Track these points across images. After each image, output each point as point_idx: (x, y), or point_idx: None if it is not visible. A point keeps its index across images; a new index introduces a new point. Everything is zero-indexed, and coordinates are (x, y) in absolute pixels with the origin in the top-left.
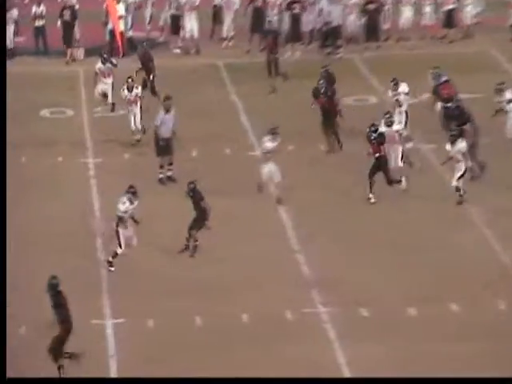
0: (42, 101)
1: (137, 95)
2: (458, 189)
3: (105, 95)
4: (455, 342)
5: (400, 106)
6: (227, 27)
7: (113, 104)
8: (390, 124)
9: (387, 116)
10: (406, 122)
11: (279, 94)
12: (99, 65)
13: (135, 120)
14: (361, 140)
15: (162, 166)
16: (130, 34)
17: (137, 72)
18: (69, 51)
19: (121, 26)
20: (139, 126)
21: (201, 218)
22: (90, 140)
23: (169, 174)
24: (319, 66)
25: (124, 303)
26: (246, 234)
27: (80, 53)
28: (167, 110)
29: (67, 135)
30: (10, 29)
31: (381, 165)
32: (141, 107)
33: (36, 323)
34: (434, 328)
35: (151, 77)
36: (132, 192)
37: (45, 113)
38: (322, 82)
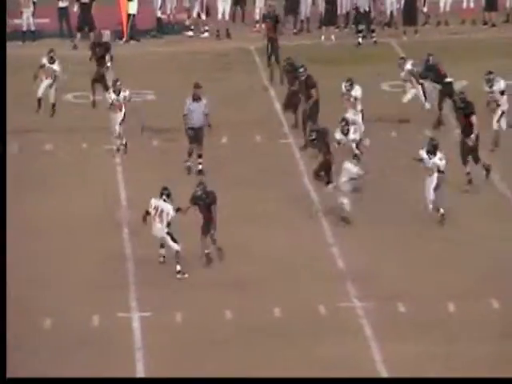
0: (66, 85)
1: (124, 98)
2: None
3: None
4: (496, 340)
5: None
6: (259, 10)
7: (125, 145)
8: (345, 132)
9: (343, 124)
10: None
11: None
12: (112, 95)
13: (117, 124)
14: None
15: (190, 154)
16: (159, 15)
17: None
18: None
19: (130, 9)
20: (120, 130)
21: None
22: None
23: (199, 167)
24: (353, 51)
25: (151, 296)
26: (277, 226)
27: (106, 36)
28: (195, 99)
29: (93, 121)
30: (29, 10)
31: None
32: (124, 113)
33: (58, 316)
34: (474, 325)
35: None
36: (166, 194)
37: (68, 97)
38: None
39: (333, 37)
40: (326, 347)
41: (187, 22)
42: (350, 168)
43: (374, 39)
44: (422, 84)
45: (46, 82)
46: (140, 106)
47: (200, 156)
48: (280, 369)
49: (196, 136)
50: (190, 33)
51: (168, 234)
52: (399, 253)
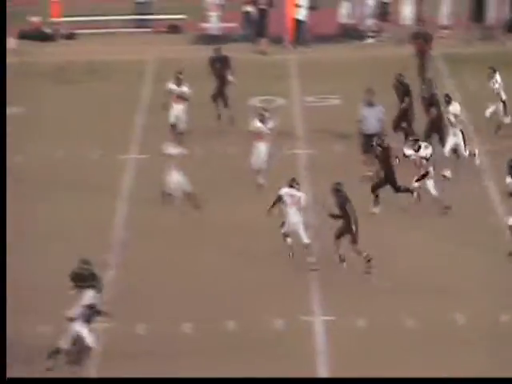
0: (252, 89)
1: (183, 92)
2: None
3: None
4: None
5: (452, 125)
6: (445, 15)
7: (181, 134)
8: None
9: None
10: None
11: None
12: (171, 85)
13: (177, 117)
14: None
15: (365, 163)
16: (344, 20)
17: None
18: (263, 41)
19: (298, 14)
20: (182, 125)
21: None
22: (301, 130)
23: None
24: None
25: (334, 300)
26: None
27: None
28: (369, 104)
29: (277, 125)
30: (217, 14)
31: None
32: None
33: (242, 318)
34: None
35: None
36: (296, 183)
37: (255, 101)
38: None
39: None
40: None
41: (370, 28)
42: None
43: None
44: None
45: (178, 107)
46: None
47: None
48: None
49: (368, 143)
50: (372, 39)
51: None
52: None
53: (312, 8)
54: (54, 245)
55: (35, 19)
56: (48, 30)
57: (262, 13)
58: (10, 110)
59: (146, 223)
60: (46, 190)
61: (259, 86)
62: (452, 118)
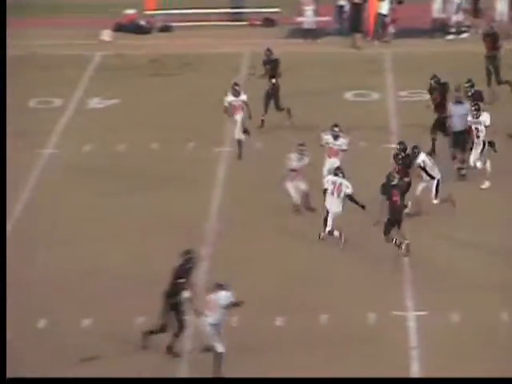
0: (346, 83)
1: (243, 102)
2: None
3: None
4: None
5: (478, 136)
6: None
7: (239, 143)
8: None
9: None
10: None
11: None
12: (230, 98)
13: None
14: None
15: (453, 157)
16: (437, 15)
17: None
18: (357, 36)
19: (380, 9)
20: (241, 135)
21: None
22: (394, 125)
23: (461, 172)
24: None
25: (427, 295)
26: None
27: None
28: (457, 102)
29: (371, 119)
30: (312, 8)
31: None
32: (249, 113)
33: (334, 313)
34: None
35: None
36: (341, 172)
37: (349, 95)
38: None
39: None
40: None
41: (461, 23)
42: None
43: None
44: None
45: (238, 118)
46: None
47: (463, 161)
48: None
49: (457, 140)
50: (465, 34)
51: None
52: None
53: (399, 2)
54: (151, 236)
55: (131, 12)
56: (143, 23)
57: (357, 7)
58: (106, 102)
59: (240, 215)
60: (143, 182)
61: (353, 81)
62: (480, 127)
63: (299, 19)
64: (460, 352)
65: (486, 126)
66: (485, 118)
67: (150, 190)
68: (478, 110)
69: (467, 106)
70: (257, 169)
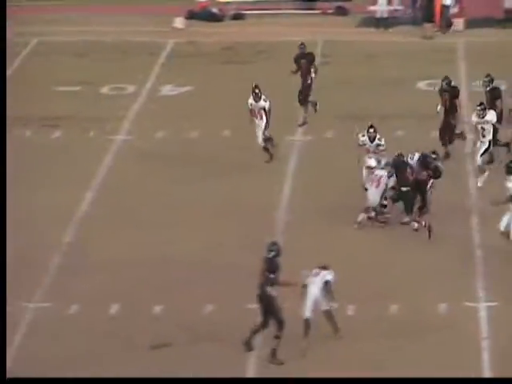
0: (418, 72)
1: (263, 108)
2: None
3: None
4: None
5: (483, 136)
6: None
7: (266, 149)
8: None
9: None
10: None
11: None
12: (250, 100)
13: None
14: None
15: None
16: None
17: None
18: (428, 26)
19: (445, 1)
20: (261, 142)
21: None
22: (467, 115)
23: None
24: None
25: (499, 286)
26: None
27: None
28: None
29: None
30: None
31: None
32: (267, 121)
33: (404, 302)
34: None
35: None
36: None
37: (421, 85)
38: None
39: None
40: None
41: None
42: None
43: None
44: None
45: (260, 124)
46: None
47: None
48: None
49: None
50: None
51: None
52: None
53: None
54: (222, 223)
55: (203, 0)
56: (215, 10)
57: None
58: (179, 89)
59: (309, 206)
60: (214, 169)
61: (425, 70)
62: (486, 127)
63: (372, 8)
64: None
65: (492, 124)
66: (491, 116)
67: (221, 177)
68: (484, 109)
69: None
70: (329, 158)
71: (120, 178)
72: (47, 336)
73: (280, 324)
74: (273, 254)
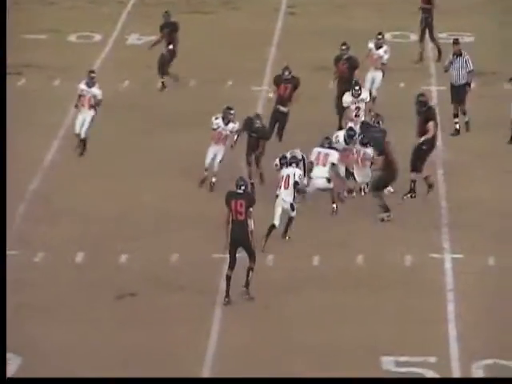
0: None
1: (230, 132)
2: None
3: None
4: None
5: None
6: None
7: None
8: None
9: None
10: None
11: None
12: (218, 122)
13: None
14: None
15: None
16: None
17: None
18: None
19: None
20: (215, 167)
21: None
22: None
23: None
24: None
25: (463, 239)
26: None
27: None
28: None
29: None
30: None
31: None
32: (231, 146)
33: (372, 254)
34: None
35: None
36: None
37: (387, 36)
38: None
39: None
40: None
41: None
42: None
43: None
44: None
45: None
46: None
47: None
48: None
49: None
50: None
51: None
52: None
53: None
54: (186, 171)
55: None
56: None
57: None
58: (145, 38)
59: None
60: (180, 119)
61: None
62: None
63: None
64: (494, 295)
65: None
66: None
67: (188, 127)
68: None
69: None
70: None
71: None
72: (13, 283)
73: (253, 256)
74: (243, 188)
